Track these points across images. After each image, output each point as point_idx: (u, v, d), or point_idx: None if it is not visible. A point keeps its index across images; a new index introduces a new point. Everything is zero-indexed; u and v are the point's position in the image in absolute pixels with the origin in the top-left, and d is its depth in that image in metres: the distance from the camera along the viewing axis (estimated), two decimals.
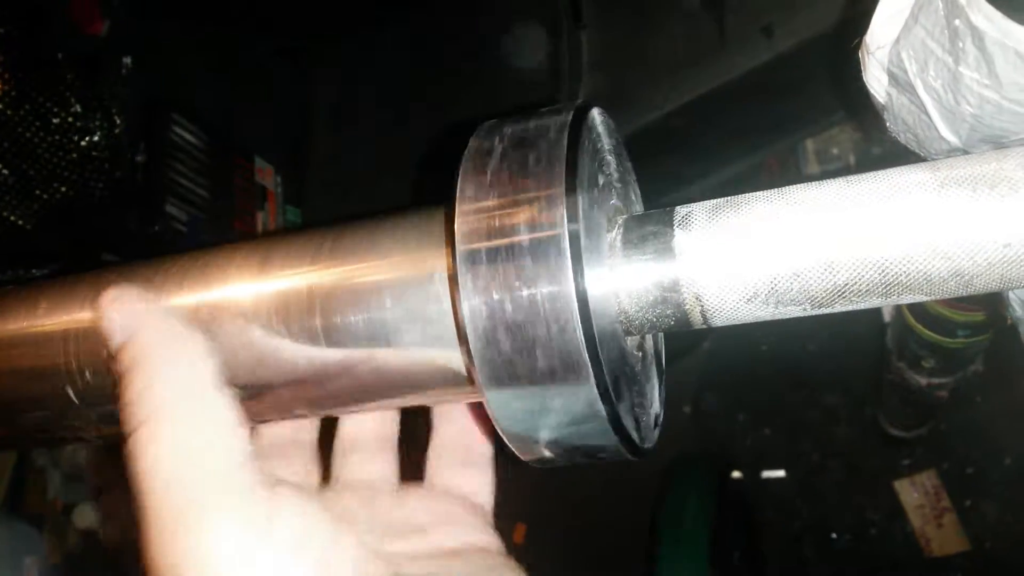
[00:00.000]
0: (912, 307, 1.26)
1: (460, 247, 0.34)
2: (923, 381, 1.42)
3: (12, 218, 0.96)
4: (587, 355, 0.33)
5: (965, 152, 0.45)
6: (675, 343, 1.60)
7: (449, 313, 0.37)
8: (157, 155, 1.10)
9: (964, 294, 0.34)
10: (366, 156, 1.43)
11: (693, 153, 1.32)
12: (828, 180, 0.36)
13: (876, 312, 1.40)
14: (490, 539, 0.45)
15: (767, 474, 1.86)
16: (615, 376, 0.35)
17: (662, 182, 1.27)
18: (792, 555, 1.80)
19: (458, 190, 0.36)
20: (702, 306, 0.36)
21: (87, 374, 0.43)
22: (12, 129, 0.94)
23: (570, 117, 0.36)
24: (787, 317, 0.37)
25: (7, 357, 0.46)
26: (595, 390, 0.33)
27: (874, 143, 1.51)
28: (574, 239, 0.33)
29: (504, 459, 0.45)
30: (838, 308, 0.36)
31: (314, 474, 0.47)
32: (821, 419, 1.85)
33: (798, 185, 0.37)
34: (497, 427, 0.36)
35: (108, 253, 1.08)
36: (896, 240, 0.33)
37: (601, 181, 0.39)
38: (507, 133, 0.37)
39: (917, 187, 0.34)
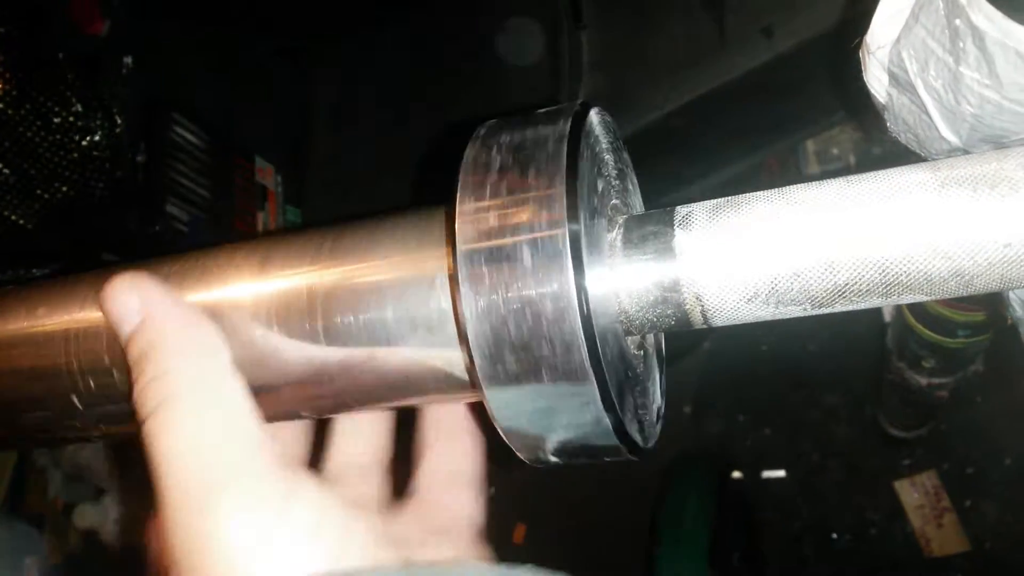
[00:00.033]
0: (912, 307, 1.26)
1: (461, 247, 0.34)
2: (923, 381, 1.42)
3: (13, 217, 0.96)
4: (587, 355, 0.33)
5: (966, 152, 0.45)
6: (675, 343, 1.60)
7: (449, 313, 0.37)
8: (158, 155, 1.10)
9: (964, 294, 0.34)
10: (366, 156, 1.43)
11: (693, 153, 1.32)
12: (828, 180, 0.36)
13: (876, 312, 1.40)
14: (481, 555, 0.45)
15: (767, 474, 1.86)
16: (615, 376, 0.35)
17: (662, 182, 1.27)
18: (792, 555, 1.80)
19: (458, 190, 0.36)
20: (702, 306, 0.36)
21: (88, 374, 0.43)
22: (13, 128, 0.94)
23: (570, 117, 0.37)
24: (787, 317, 0.37)
25: (7, 357, 0.46)
26: (596, 390, 0.33)
27: (874, 143, 1.51)
28: (574, 239, 0.33)
29: (503, 460, 0.45)
30: (838, 308, 0.36)
31: None
32: (821, 419, 1.85)
33: (798, 185, 0.37)
34: (497, 427, 0.36)
35: (108, 253, 1.08)
36: (896, 240, 0.33)
37: (601, 181, 0.39)
38: (507, 133, 0.37)
39: (917, 187, 0.34)
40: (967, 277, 0.33)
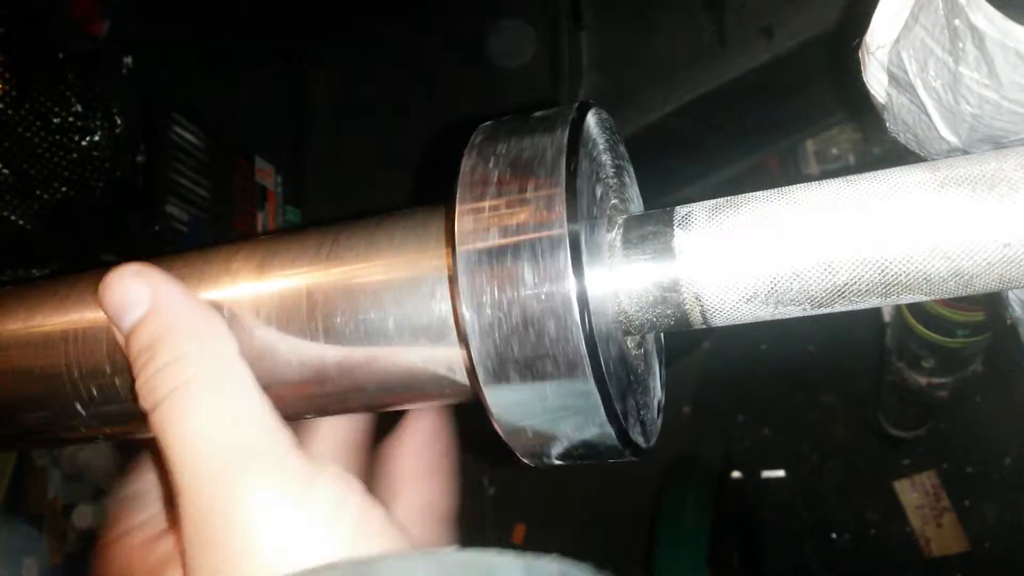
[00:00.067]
0: (912, 307, 1.26)
1: (460, 247, 0.34)
2: (923, 381, 1.42)
3: (12, 218, 0.96)
4: (587, 355, 0.33)
5: (965, 152, 0.45)
6: (675, 343, 1.60)
7: (449, 313, 0.37)
8: (157, 155, 1.10)
9: (964, 294, 0.34)
10: (366, 156, 1.43)
11: (692, 153, 1.32)
12: (828, 180, 0.36)
13: (876, 312, 1.40)
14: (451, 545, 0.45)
15: (767, 474, 1.86)
16: (615, 376, 0.35)
17: (662, 182, 1.27)
18: (791, 555, 1.80)
19: (458, 190, 0.36)
20: (702, 306, 0.36)
21: (87, 374, 0.43)
22: (12, 129, 0.94)
23: (570, 117, 0.36)
24: (787, 317, 0.37)
25: (6, 358, 0.46)
26: (595, 390, 0.33)
27: (874, 143, 1.51)
28: (574, 239, 0.33)
29: (502, 460, 0.45)
30: (838, 308, 0.36)
31: None
32: (821, 419, 1.85)
33: (798, 185, 0.37)
34: (497, 427, 0.36)
35: (108, 253, 1.08)
36: (896, 240, 0.33)
37: (601, 181, 0.39)
38: (506, 134, 0.37)
39: (917, 187, 0.34)
40: (966, 277, 0.33)
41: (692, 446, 1.84)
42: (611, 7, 1.22)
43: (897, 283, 0.34)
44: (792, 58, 1.08)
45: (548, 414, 0.35)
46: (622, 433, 0.35)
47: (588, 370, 0.33)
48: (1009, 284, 0.34)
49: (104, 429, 0.46)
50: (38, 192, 0.98)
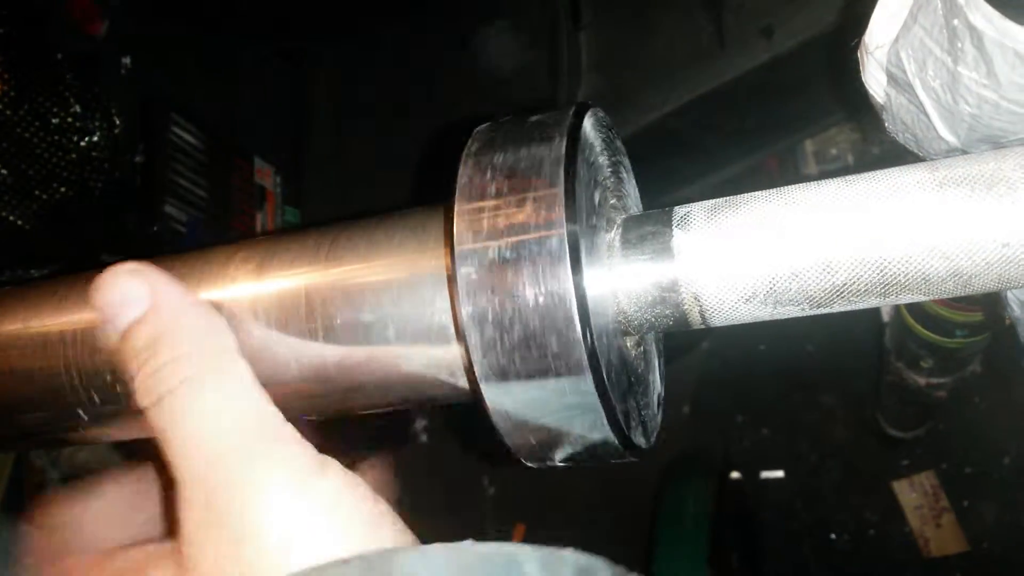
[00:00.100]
0: (911, 307, 1.26)
1: (458, 247, 0.34)
2: (922, 381, 1.42)
3: (11, 218, 0.96)
4: (586, 355, 0.33)
5: (963, 152, 0.45)
6: (674, 343, 1.60)
7: (448, 313, 0.37)
8: (156, 155, 1.10)
9: (962, 294, 0.34)
10: (365, 157, 1.43)
11: (692, 153, 1.33)
12: (826, 180, 0.36)
13: (875, 312, 1.40)
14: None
15: (766, 475, 1.86)
16: (614, 376, 0.35)
17: (661, 182, 1.27)
18: (791, 556, 1.80)
19: (457, 190, 0.36)
20: (700, 306, 0.37)
21: (85, 375, 0.43)
22: (11, 129, 0.94)
23: (569, 118, 0.37)
24: (786, 317, 0.37)
25: (6, 358, 0.45)
26: (593, 390, 0.33)
27: (873, 143, 1.52)
28: (572, 239, 0.33)
29: (501, 460, 0.45)
30: (837, 308, 0.36)
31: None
32: (820, 419, 1.85)
33: (796, 185, 0.37)
34: (496, 427, 0.36)
35: (107, 254, 1.08)
36: (894, 240, 0.33)
37: (599, 181, 0.39)
38: (505, 134, 0.37)
39: (915, 187, 0.34)
40: (965, 277, 0.33)
41: (691, 447, 1.84)
42: (610, 7, 1.22)
43: (896, 283, 0.34)
44: (791, 58, 1.08)
45: (547, 414, 0.35)
46: (621, 433, 0.35)
47: (587, 370, 0.33)
48: (1008, 284, 0.34)
49: (103, 430, 0.46)
50: (37, 192, 0.98)
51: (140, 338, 0.37)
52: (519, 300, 0.33)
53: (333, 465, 0.34)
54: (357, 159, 1.44)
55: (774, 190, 0.37)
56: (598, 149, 0.40)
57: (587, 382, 0.33)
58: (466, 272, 0.34)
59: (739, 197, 0.37)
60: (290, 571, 0.29)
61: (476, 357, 0.34)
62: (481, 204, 0.35)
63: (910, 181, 0.34)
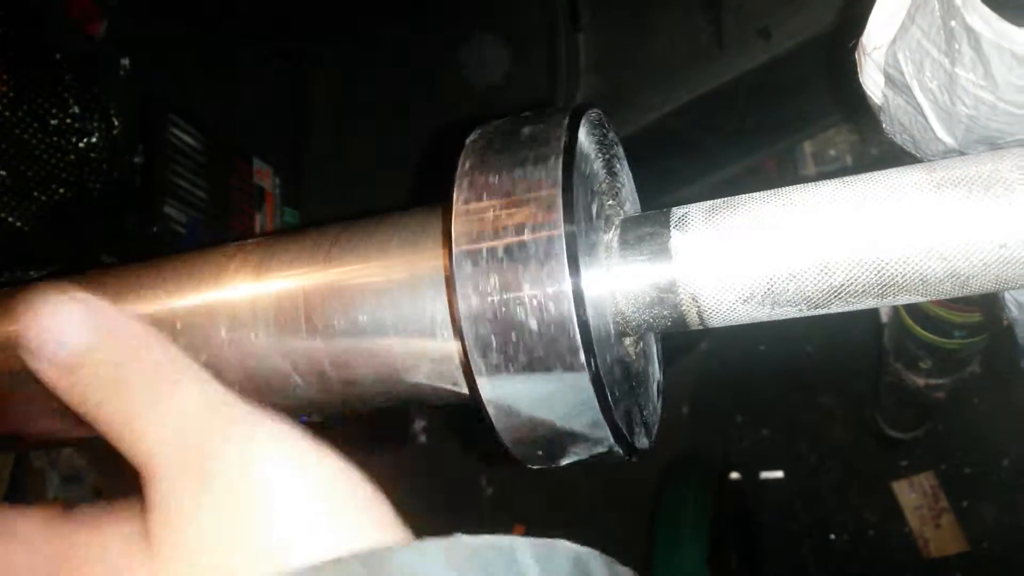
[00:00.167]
0: (909, 308, 1.26)
1: (456, 248, 0.34)
2: (921, 382, 1.42)
3: (10, 220, 0.96)
4: (583, 356, 0.33)
5: (961, 153, 0.45)
6: (673, 343, 1.60)
7: (446, 314, 0.37)
8: (155, 156, 1.10)
9: (960, 295, 0.34)
10: (364, 157, 1.43)
11: (691, 154, 1.33)
12: (824, 181, 0.36)
13: (874, 313, 1.40)
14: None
15: (765, 475, 1.86)
16: (612, 377, 0.35)
17: (660, 182, 1.27)
18: (790, 556, 1.81)
19: (455, 191, 0.36)
20: (699, 307, 0.37)
21: None
22: (10, 130, 0.94)
23: (567, 119, 0.37)
24: (784, 318, 0.37)
25: (5, 359, 0.45)
26: (592, 391, 0.33)
27: (871, 144, 1.52)
28: (570, 240, 0.33)
29: (500, 460, 0.45)
30: (835, 309, 0.36)
31: None
32: (819, 420, 1.85)
33: (794, 186, 0.37)
34: (495, 428, 0.36)
35: (106, 254, 1.08)
36: (892, 241, 0.33)
37: (598, 181, 0.39)
38: (504, 135, 0.37)
39: (913, 188, 0.34)
40: (963, 278, 0.33)
41: (690, 447, 1.84)
42: (609, 8, 1.22)
43: (893, 284, 0.34)
44: (789, 59, 1.08)
45: (545, 415, 0.35)
46: (618, 434, 0.35)
47: (585, 371, 0.33)
48: (1005, 285, 0.34)
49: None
50: (35, 194, 0.98)
51: (87, 367, 0.33)
52: (518, 300, 0.33)
53: (332, 455, 0.32)
54: (357, 159, 1.44)
55: (772, 191, 0.37)
56: (592, 156, 0.40)
57: (585, 382, 0.33)
58: (464, 273, 0.34)
59: (737, 198, 0.37)
60: (290, 555, 0.28)
61: (474, 358, 0.34)
62: (480, 205, 0.35)
63: (907, 182, 0.34)
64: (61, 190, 0.99)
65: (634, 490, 1.71)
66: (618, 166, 0.44)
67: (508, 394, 0.34)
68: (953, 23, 0.40)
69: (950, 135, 0.44)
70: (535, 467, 0.39)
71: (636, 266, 0.37)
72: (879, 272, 0.34)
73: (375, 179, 1.39)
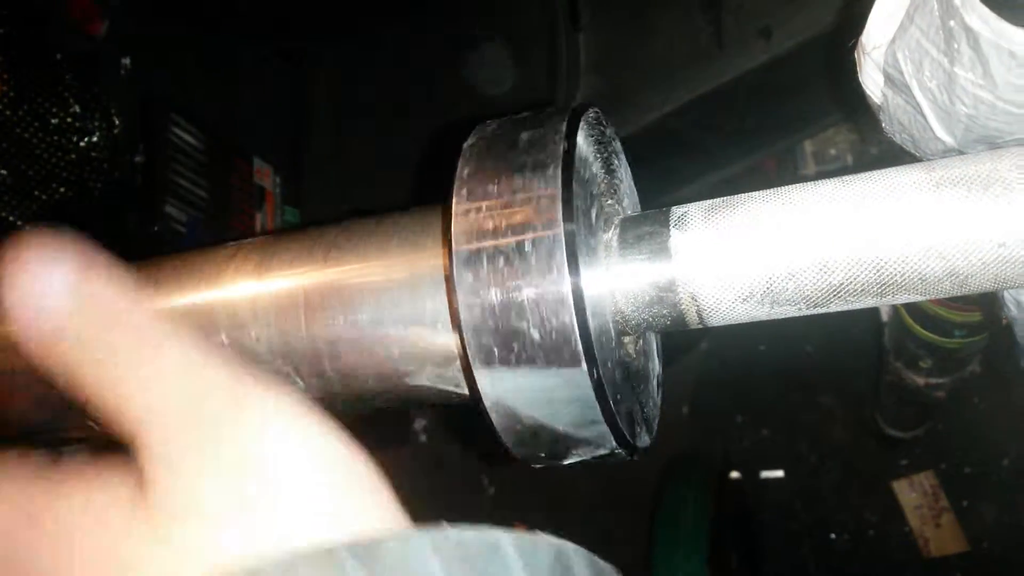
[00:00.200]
0: (909, 307, 1.26)
1: (456, 247, 0.34)
2: (921, 381, 1.42)
3: (11, 219, 0.96)
4: (583, 355, 0.33)
5: (960, 152, 0.45)
6: (673, 343, 1.60)
7: (446, 313, 0.37)
8: (156, 156, 1.10)
9: (959, 294, 0.35)
10: (364, 157, 1.43)
11: (691, 153, 1.33)
12: (823, 180, 0.36)
13: (874, 312, 1.40)
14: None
15: (765, 475, 1.86)
16: (611, 376, 0.35)
17: (660, 182, 1.27)
18: (790, 556, 1.81)
19: (455, 191, 0.36)
20: (698, 306, 0.37)
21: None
22: (11, 129, 0.94)
23: (566, 119, 0.37)
24: (783, 317, 0.37)
25: (6, 359, 0.46)
26: (591, 390, 0.33)
27: (871, 144, 1.52)
28: (570, 239, 0.33)
29: (499, 459, 0.45)
30: (834, 308, 0.36)
31: None
32: (819, 419, 1.85)
33: (793, 185, 0.37)
34: (494, 426, 0.36)
35: (107, 254, 1.08)
36: (891, 240, 0.34)
37: (597, 181, 0.39)
38: (503, 135, 0.37)
39: (912, 187, 0.34)
40: (962, 277, 0.33)
41: (690, 447, 1.84)
42: (609, 8, 1.22)
43: (893, 283, 0.34)
44: (789, 59, 1.08)
45: (545, 414, 0.35)
46: (617, 433, 0.35)
47: (584, 370, 0.33)
48: (1004, 284, 0.34)
49: (102, 428, 0.46)
50: (36, 193, 0.98)
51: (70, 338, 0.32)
52: (517, 300, 0.33)
53: (340, 433, 0.31)
54: (357, 159, 1.44)
55: (771, 190, 0.37)
56: (591, 159, 0.40)
57: (584, 381, 0.33)
58: (463, 272, 0.34)
59: (736, 197, 0.37)
60: (292, 534, 0.27)
61: (473, 357, 0.34)
62: (479, 204, 0.35)
63: (907, 181, 0.34)
64: (62, 189, 0.99)
65: (634, 490, 1.71)
66: (616, 162, 0.44)
67: (508, 393, 0.34)
68: (952, 23, 0.40)
69: (949, 134, 0.45)
70: (537, 466, 0.39)
71: (636, 265, 0.37)
72: (878, 271, 0.34)
73: (375, 179, 1.39)
